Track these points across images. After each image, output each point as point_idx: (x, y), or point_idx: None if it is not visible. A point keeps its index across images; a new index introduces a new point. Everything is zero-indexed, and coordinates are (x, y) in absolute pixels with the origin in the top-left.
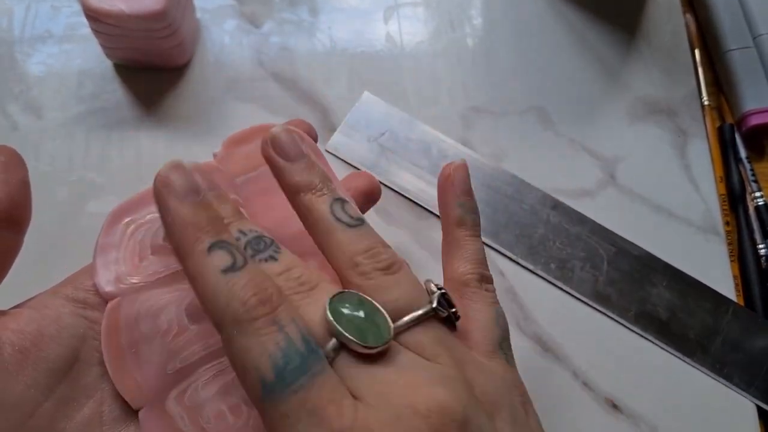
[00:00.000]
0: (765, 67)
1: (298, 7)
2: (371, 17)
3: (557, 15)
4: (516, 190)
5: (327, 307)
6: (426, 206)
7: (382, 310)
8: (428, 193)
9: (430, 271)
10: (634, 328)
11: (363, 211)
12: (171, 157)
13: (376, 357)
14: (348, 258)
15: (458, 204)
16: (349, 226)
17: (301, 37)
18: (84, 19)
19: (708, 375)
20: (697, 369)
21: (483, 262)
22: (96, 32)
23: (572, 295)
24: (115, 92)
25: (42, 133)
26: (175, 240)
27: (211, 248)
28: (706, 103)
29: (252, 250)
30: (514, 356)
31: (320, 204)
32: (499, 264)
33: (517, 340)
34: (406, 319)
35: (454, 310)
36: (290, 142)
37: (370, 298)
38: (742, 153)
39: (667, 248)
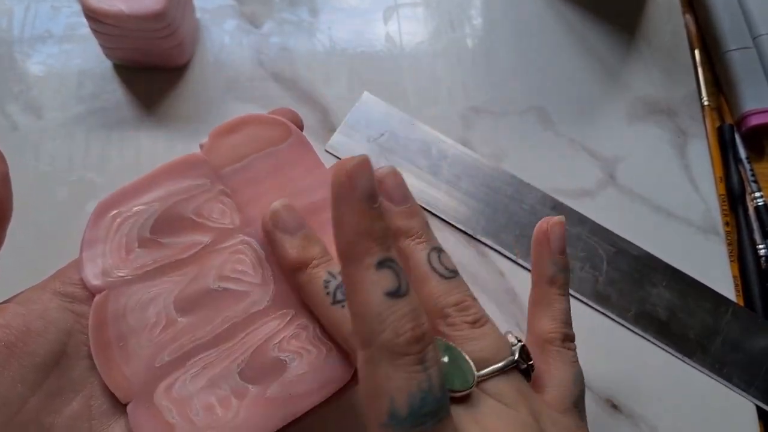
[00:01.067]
0: (765, 67)
1: (298, 8)
2: (371, 17)
3: (557, 15)
4: (516, 190)
5: None
6: (426, 206)
7: (467, 357)
8: (428, 193)
9: None
10: (634, 328)
11: None
12: (171, 157)
13: (461, 400)
14: (439, 308)
15: (552, 262)
16: (444, 277)
17: (301, 37)
18: (84, 20)
19: (708, 375)
20: (697, 369)
21: (568, 321)
22: (96, 32)
23: (572, 295)
24: (115, 92)
25: (42, 133)
26: (343, 242)
27: (380, 264)
28: (705, 103)
29: None
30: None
31: (418, 251)
32: (498, 264)
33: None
34: (490, 368)
35: (531, 362)
36: (400, 189)
37: (456, 346)
38: (742, 153)
39: (666, 248)
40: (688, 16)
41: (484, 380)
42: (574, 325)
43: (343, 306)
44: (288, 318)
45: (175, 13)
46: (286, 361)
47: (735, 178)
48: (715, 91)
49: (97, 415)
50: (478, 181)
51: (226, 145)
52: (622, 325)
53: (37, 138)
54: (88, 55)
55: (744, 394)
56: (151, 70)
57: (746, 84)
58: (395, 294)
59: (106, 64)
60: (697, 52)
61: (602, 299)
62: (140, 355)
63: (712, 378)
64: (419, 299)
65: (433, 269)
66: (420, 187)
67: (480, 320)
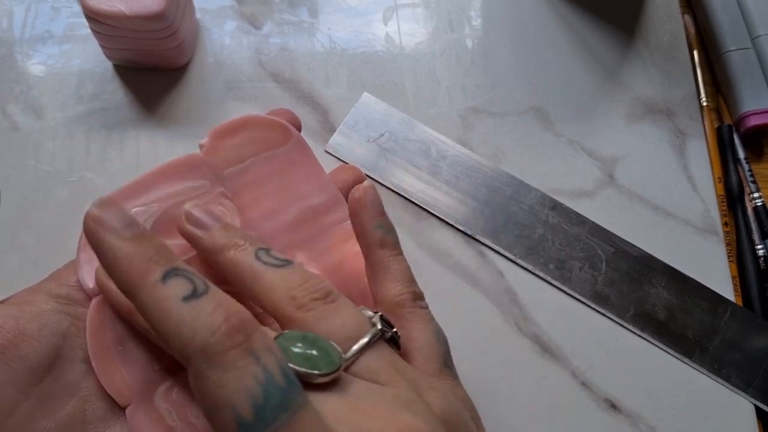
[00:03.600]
0: (763, 68)
1: (297, 8)
2: (370, 18)
3: (556, 15)
4: (515, 191)
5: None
6: (425, 207)
7: (326, 337)
8: (427, 193)
9: (429, 271)
10: (633, 328)
11: None
12: (171, 157)
13: (328, 387)
14: (283, 294)
15: (376, 225)
16: (278, 266)
17: (300, 38)
18: (84, 20)
19: (706, 375)
20: (696, 369)
21: (413, 280)
22: (96, 33)
23: (571, 296)
24: (115, 92)
25: (42, 133)
26: (120, 277)
27: (165, 277)
28: (704, 103)
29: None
30: (514, 356)
31: (245, 256)
32: (498, 264)
33: (516, 341)
34: (356, 347)
35: (395, 329)
36: (207, 214)
37: (311, 331)
38: (741, 154)
39: (665, 248)
40: (686, 17)
41: (352, 362)
42: (572, 325)
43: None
44: None
45: (175, 13)
46: None
47: (734, 179)
48: (714, 92)
49: (92, 420)
50: (478, 182)
51: (227, 147)
52: (621, 325)
53: (37, 138)
54: (88, 56)
55: (743, 393)
56: (151, 71)
57: (745, 84)
58: (193, 295)
59: (106, 65)
60: (695, 53)
61: (601, 299)
62: (139, 359)
63: (711, 378)
64: (263, 296)
65: (265, 263)
66: (419, 187)
67: (330, 294)
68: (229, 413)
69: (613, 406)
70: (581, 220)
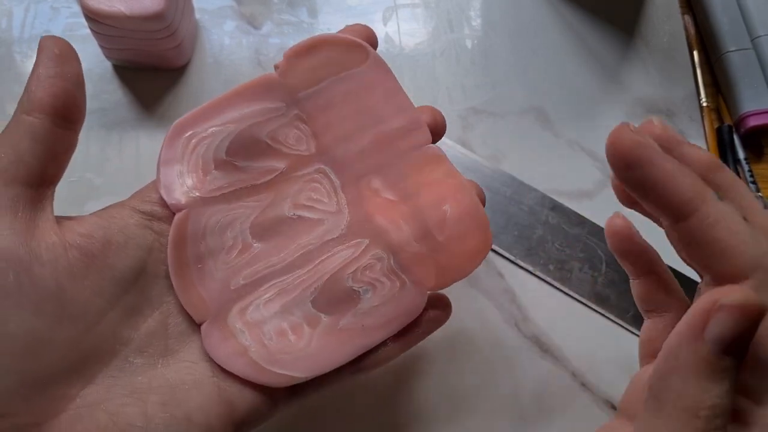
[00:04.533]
0: (763, 68)
1: (297, 8)
2: (370, 18)
3: (556, 16)
4: (515, 191)
5: None
6: None
7: None
8: None
9: None
10: (633, 329)
11: None
12: None
13: None
14: None
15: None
16: None
17: (300, 38)
18: (83, 20)
19: None
20: None
21: None
22: (95, 33)
23: (571, 296)
24: (115, 92)
25: None
26: (675, 193)
27: (719, 197)
28: (704, 104)
29: None
30: (514, 356)
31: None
32: (497, 265)
33: (515, 341)
34: None
35: None
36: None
37: None
38: (741, 154)
39: (665, 249)
40: (686, 17)
41: None
42: (572, 325)
43: None
44: (362, 248)
45: (174, 14)
46: (359, 292)
47: None
48: (714, 92)
49: (174, 334)
50: (477, 182)
51: (303, 67)
52: (621, 326)
53: None
54: (88, 56)
55: None
56: (150, 71)
57: (745, 85)
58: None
59: (106, 65)
60: (695, 53)
61: (601, 300)
62: (216, 277)
63: None
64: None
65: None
66: None
67: None
68: None
69: (613, 407)
70: (581, 221)
